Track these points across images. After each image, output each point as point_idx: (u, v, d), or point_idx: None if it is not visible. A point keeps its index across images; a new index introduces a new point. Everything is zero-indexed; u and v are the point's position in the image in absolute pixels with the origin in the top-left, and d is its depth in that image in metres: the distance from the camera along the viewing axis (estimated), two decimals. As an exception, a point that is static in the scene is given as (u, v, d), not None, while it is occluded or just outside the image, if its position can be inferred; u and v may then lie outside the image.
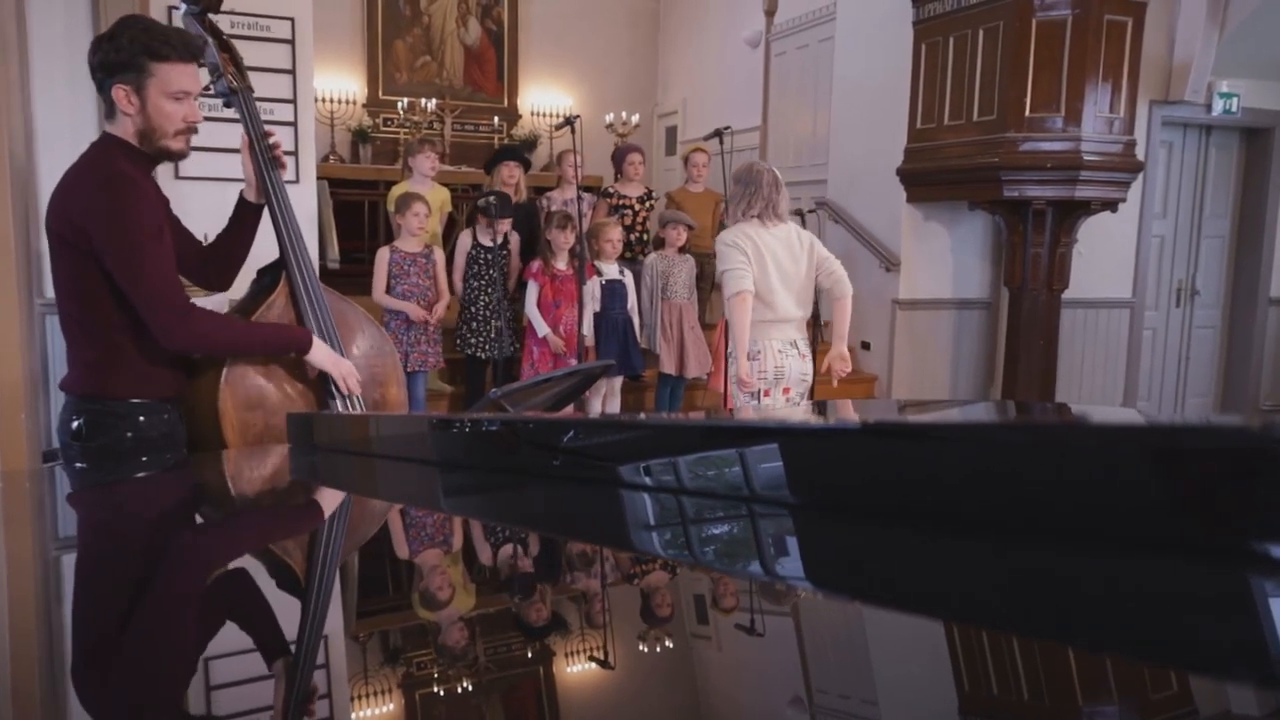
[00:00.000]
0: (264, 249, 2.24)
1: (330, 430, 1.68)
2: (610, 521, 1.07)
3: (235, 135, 2.21)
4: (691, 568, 0.93)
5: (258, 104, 2.20)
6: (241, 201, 2.23)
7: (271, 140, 2.17)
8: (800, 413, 3.12)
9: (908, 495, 0.80)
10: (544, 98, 9.57)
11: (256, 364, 2.12)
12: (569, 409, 2.34)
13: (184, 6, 2.12)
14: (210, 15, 2.13)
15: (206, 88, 2.15)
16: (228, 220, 2.24)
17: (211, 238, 2.27)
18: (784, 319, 3.73)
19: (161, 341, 1.97)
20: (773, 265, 3.66)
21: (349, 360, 2.20)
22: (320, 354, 2.12)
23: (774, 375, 3.73)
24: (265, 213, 2.20)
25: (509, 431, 1.34)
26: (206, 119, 2.24)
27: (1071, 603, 0.68)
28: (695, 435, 1.09)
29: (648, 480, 1.05)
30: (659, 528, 1.02)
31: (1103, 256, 6.07)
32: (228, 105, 2.17)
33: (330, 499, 1.45)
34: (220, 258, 2.24)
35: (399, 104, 8.74)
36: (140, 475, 1.92)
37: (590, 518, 1.11)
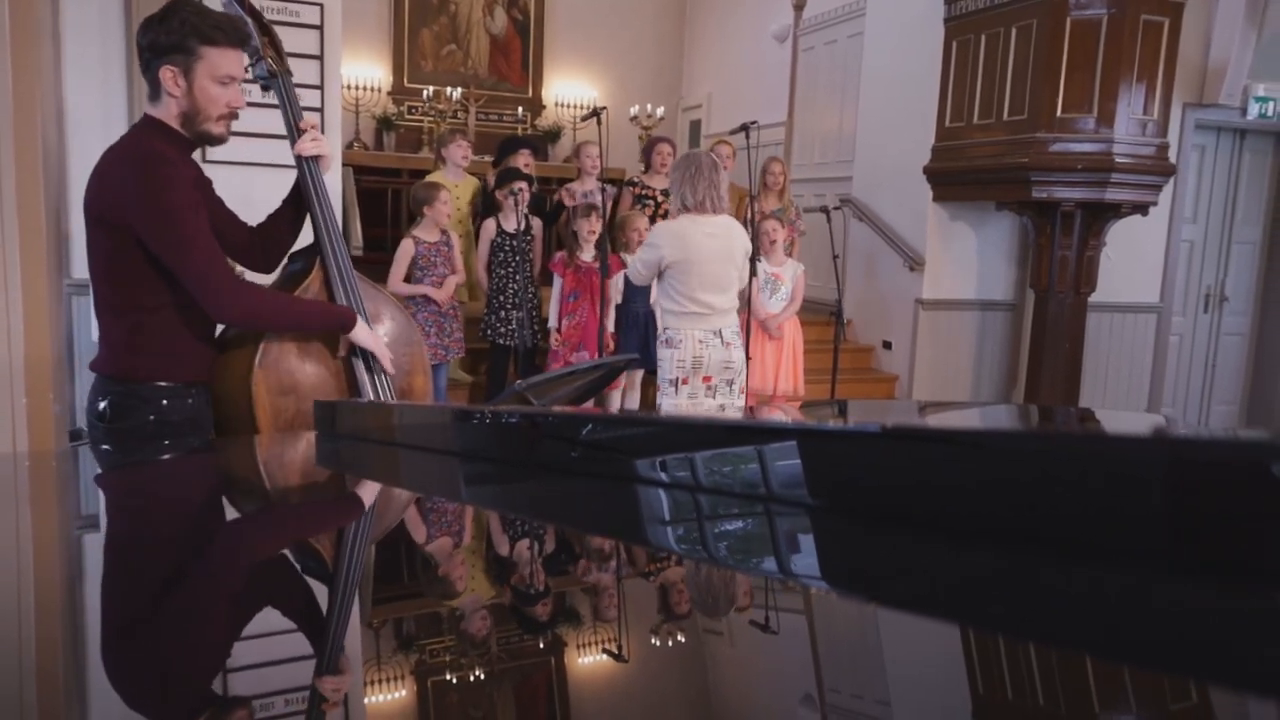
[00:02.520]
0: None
1: (357, 419, 1.68)
2: (627, 517, 1.07)
3: (267, 120, 2.21)
4: (704, 565, 0.93)
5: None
6: (295, 184, 2.23)
7: (304, 125, 2.16)
8: (737, 413, 3.14)
9: (922, 499, 0.79)
10: (569, 89, 9.55)
11: (290, 349, 2.11)
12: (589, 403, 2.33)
13: (225, -12, 2.11)
14: (251, -1, 2.13)
15: (245, 70, 2.15)
16: (282, 201, 2.24)
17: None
18: (707, 311, 3.73)
19: (214, 316, 1.98)
20: (699, 263, 3.65)
21: (363, 361, 2.20)
22: (363, 333, 2.13)
23: (692, 364, 3.75)
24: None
25: (532, 425, 1.33)
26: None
27: (1094, 620, 0.67)
28: (709, 433, 1.09)
29: (663, 476, 1.05)
30: (674, 524, 1.02)
31: (1130, 260, 6.00)
32: (266, 89, 2.17)
33: (359, 488, 1.44)
34: (269, 239, 2.24)
35: (424, 92, 8.75)
36: (165, 458, 1.92)
37: (609, 513, 1.10)
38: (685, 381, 3.76)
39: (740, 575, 0.89)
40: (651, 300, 4.96)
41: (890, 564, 0.82)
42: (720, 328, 3.77)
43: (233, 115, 2.01)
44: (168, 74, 1.93)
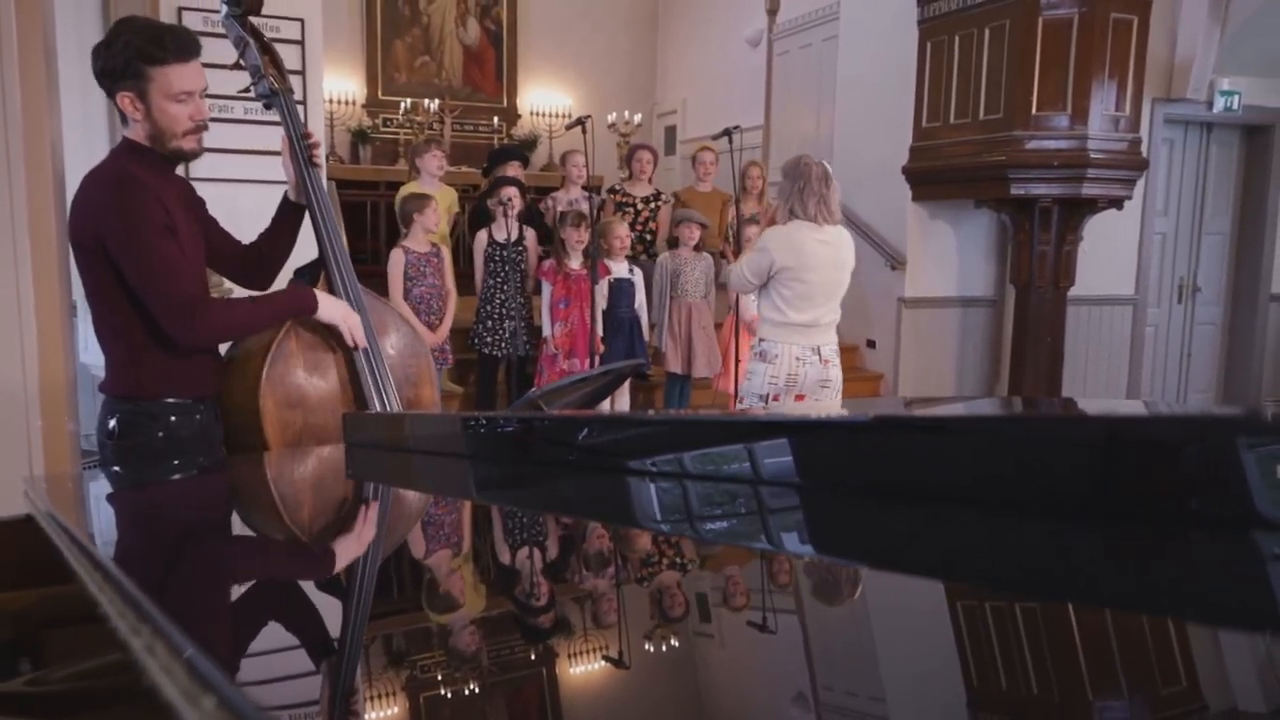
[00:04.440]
0: (302, 251, 2.25)
1: (382, 429, 1.69)
2: (634, 506, 1.12)
3: (251, 136, 2.22)
4: (702, 561, 0.98)
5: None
6: (284, 202, 2.23)
7: (311, 141, 2.17)
8: (802, 408, 3.16)
9: (911, 480, 0.85)
10: (543, 98, 9.57)
11: (296, 363, 2.12)
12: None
13: (224, 8, 2.11)
14: (251, 18, 2.13)
15: (246, 89, 2.15)
16: (272, 219, 2.24)
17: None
18: (812, 324, 3.58)
19: (177, 340, 1.96)
20: (815, 272, 3.51)
21: (376, 348, 2.20)
22: (327, 309, 2.09)
23: (786, 382, 3.58)
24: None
25: (552, 427, 1.37)
26: (215, 120, 2.24)
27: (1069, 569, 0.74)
28: (709, 431, 1.13)
29: (665, 470, 1.11)
30: (679, 509, 1.08)
31: (1106, 254, 6.10)
32: (268, 107, 2.18)
33: (376, 498, 1.46)
34: (261, 257, 2.24)
35: (402, 104, 8.73)
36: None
37: (617, 503, 1.15)
38: (776, 399, 3.61)
39: (739, 574, 0.94)
40: (637, 305, 5.00)
41: (878, 532, 0.89)
42: (820, 344, 3.62)
43: (200, 128, 1.99)
44: (125, 100, 1.91)
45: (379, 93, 9.02)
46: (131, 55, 1.87)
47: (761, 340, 3.66)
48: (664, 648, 0.77)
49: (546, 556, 1.08)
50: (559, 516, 1.23)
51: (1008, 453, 0.80)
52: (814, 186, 3.52)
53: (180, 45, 1.92)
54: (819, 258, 3.52)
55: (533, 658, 0.75)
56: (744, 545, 0.99)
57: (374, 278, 4.85)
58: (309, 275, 2.20)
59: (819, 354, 3.62)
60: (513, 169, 5.38)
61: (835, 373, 3.70)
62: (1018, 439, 0.83)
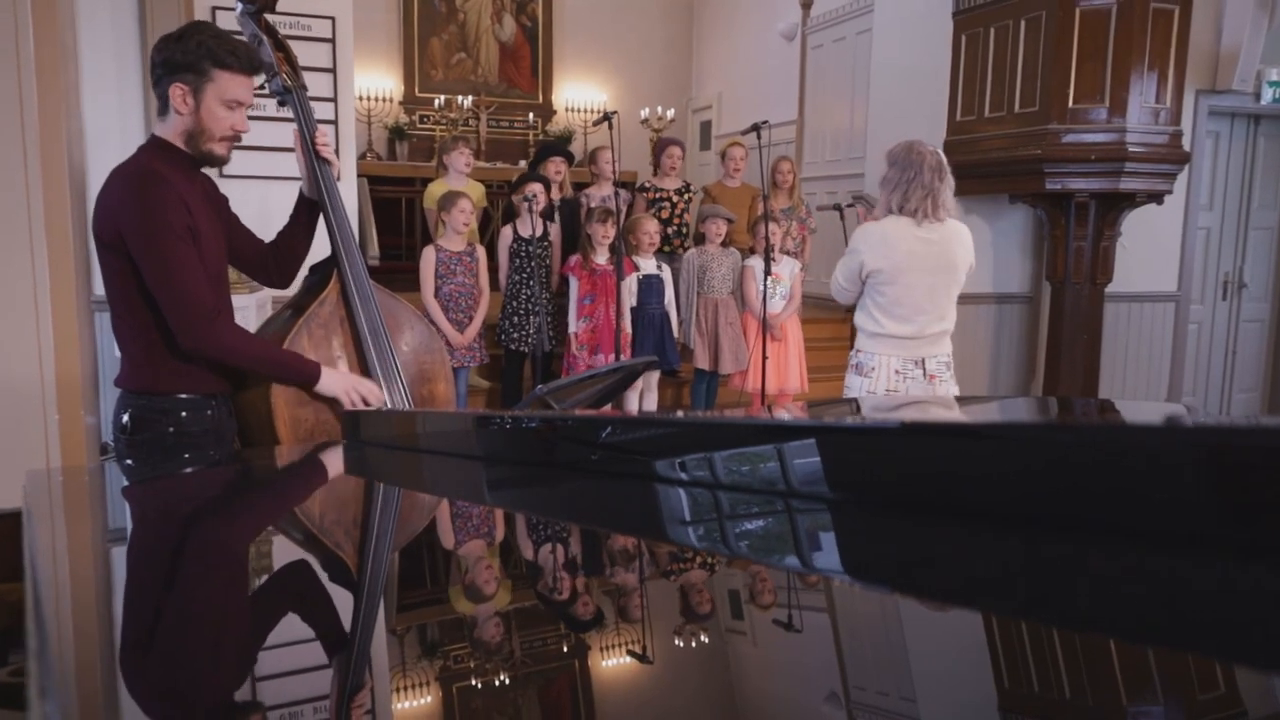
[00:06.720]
0: (321, 246, 2.28)
1: (383, 427, 1.70)
2: (652, 516, 1.09)
3: (280, 135, 2.25)
4: (729, 561, 0.95)
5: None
6: (301, 198, 2.26)
7: (320, 142, 2.19)
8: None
9: (942, 491, 0.80)
10: (579, 93, 9.58)
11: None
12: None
13: (240, 5, 2.15)
14: (266, 15, 2.16)
15: (261, 86, 2.18)
16: (289, 217, 2.27)
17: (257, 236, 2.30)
18: (912, 335, 3.16)
19: (181, 343, 1.98)
20: (912, 274, 3.09)
21: (389, 344, 2.21)
22: (328, 383, 2.09)
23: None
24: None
25: (550, 428, 1.35)
26: (251, 118, 2.26)
27: (1108, 596, 0.68)
28: (731, 434, 1.10)
29: (685, 476, 1.06)
30: (700, 521, 1.04)
31: (1147, 249, 5.96)
32: (282, 104, 2.21)
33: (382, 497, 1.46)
34: (281, 254, 2.27)
35: (436, 101, 8.80)
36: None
37: (633, 512, 1.12)
38: None
39: (768, 572, 0.90)
40: (666, 301, 4.99)
41: (913, 553, 0.84)
42: (924, 356, 3.18)
43: (235, 138, 2.05)
44: (177, 91, 1.96)
45: (415, 90, 9.11)
46: (203, 53, 1.95)
47: (858, 351, 3.30)
48: (690, 645, 0.76)
49: (559, 556, 1.08)
50: (566, 518, 1.22)
51: (1041, 462, 0.74)
52: (924, 178, 3.07)
53: (248, 59, 2.02)
54: (918, 258, 3.09)
55: (552, 654, 0.75)
56: (761, 561, 0.93)
57: (408, 274, 4.91)
58: (321, 273, 2.22)
59: (923, 367, 3.19)
60: (555, 165, 5.39)
61: (945, 390, 3.22)
62: (1045, 446, 0.76)
